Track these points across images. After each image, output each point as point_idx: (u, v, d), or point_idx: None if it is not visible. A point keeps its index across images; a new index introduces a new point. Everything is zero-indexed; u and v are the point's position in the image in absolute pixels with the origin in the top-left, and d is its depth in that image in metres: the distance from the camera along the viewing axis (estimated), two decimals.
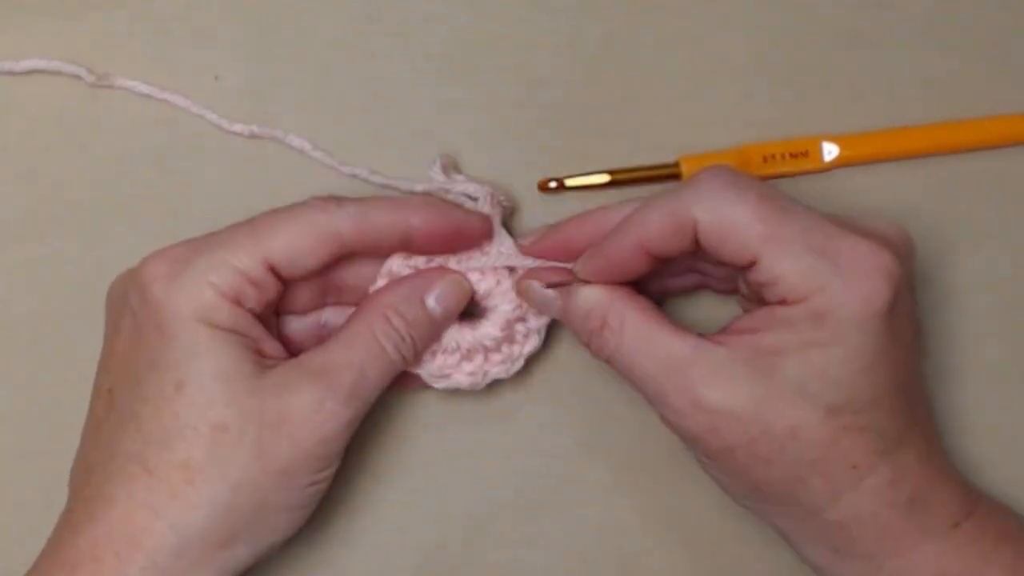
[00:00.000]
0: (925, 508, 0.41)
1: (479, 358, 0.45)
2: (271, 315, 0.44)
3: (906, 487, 0.41)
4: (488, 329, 0.45)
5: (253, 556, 0.41)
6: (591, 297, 0.43)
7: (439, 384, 0.45)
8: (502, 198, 0.46)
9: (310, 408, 0.41)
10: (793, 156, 0.48)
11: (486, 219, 0.45)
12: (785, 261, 0.39)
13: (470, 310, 0.46)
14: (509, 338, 0.46)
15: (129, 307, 0.42)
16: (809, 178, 0.49)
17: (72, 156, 0.49)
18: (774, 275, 0.39)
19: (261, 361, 0.41)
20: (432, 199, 0.45)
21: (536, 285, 0.44)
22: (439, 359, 0.45)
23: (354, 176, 0.48)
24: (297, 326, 0.45)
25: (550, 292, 0.44)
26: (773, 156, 0.48)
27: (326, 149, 0.49)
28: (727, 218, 0.40)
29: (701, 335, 0.41)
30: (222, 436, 0.40)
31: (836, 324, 0.39)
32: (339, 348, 0.42)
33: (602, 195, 0.49)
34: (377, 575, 0.48)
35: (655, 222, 0.41)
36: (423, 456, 0.48)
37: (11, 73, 0.49)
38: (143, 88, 0.49)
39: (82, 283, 0.48)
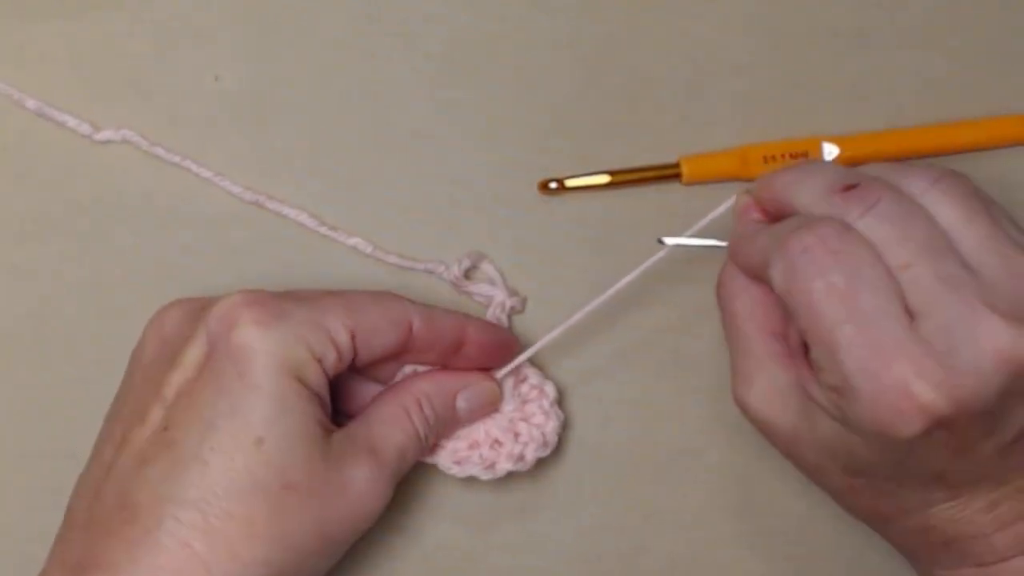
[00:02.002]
0: (966, 547, 0.40)
1: (463, 444, 0.46)
2: None
3: (950, 529, 0.40)
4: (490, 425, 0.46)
5: None
6: (733, 256, 0.43)
7: (453, 471, 0.46)
8: (514, 303, 0.48)
9: (367, 483, 0.41)
10: (793, 156, 0.48)
11: (512, 344, 0.46)
12: (824, 359, 0.37)
13: None
14: (511, 435, 0.46)
15: (200, 341, 0.40)
16: None
17: (73, 157, 0.49)
18: (818, 365, 0.38)
19: (326, 426, 0.41)
20: (483, 319, 0.46)
21: (735, 214, 0.43)
22: (451, 444, 0.46)
23: (354, 247, 0.48)
24: None
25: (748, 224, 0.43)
26: (773, 156, 0.48)
27: (329, 223, 0.49)
28: (790, 296, 0.38)
29: (790, 349, 0.41)
30: (290, 498, 0.39)
31: (860, 428, 0.37)
32: (382, 427, 0.42)
33: (602, 195, 0.49)
34: None
35: (755, 256, 0.40)
36: None
37: (21, 107, 0.49)
38: (144, 144, 0.49)
39: (82, 283, 0.48)
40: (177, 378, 0.40)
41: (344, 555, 0.47)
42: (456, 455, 0.46)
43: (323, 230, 0.48)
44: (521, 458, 0.46)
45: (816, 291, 0.37)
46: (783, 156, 0.48)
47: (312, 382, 0.40)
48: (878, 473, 0.39)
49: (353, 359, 0.41)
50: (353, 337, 0.41)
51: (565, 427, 0.48)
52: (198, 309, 0.41)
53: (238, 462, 0.38)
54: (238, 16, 0.50)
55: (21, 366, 0.48)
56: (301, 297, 0.41)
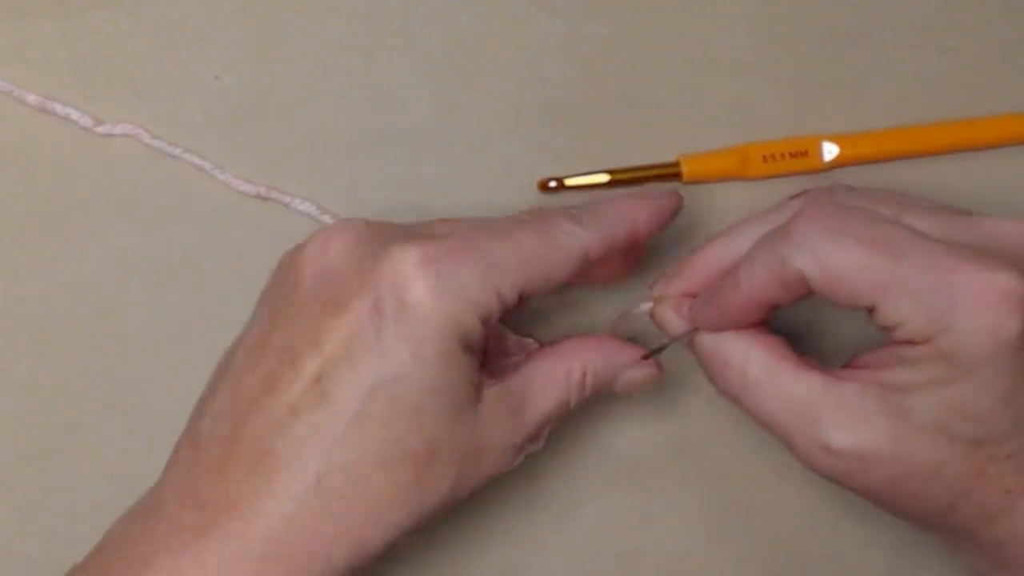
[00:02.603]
0: None
1: None
2: None
3: None
4: None
5: None
6: (712, 337, 0.41)
7: None
8: None
9: (500, 449, 0.40)
10: (793, 156, 0.48)
11: (678, 196, 0.43)
12: (901, 307, 0.37)
13: None
14: None
15: (368, 294, 0.38)
16: (809, 178, 0.49)
17: (74, 153, 0.49)
18: (893, 321, 0.38)
19: (479, 383, 0.40)
20: (640, 195, 0.43)
21: (673, 317, 0.43)
22: None
23: None
24: None
25: (681, 326, 0.42)
26: (773, 156, 0.48)
27: (333, 212, 0.49)
28: (832, 270, 0.38)
29: (828, 372, 0.40)
30: (434, 463, 0.38)
31: (966, 361, 0.37)
32: (540, 389, 0.41)
33: (602, 195, 0.49)
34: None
35: (761, 278, 0.39)
36: None
37: (21, 102, 0.49)
38: (146, 137, 0.49)
39: (82, 282, 0.48)
40: (338, 328, 0.38)
41: None
42: None
43: (326, 219, 0.48)
44: None
45: (852, 247, 0.37)
46: (783, 155, 0.48)
47: (476, 344, 0.39)
48: (1000, 424, 0.38)
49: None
50: (523, 292, 0.39)
51: (564, 426, 0.48)
52: (368, 251, 0.39)
53: (393, 431, 0.37)
54: (238, 16, 0.50)
55: (21, 366, 0.48)
56: (475, 248, 0.39)
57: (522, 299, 0.40)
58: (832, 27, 0.50)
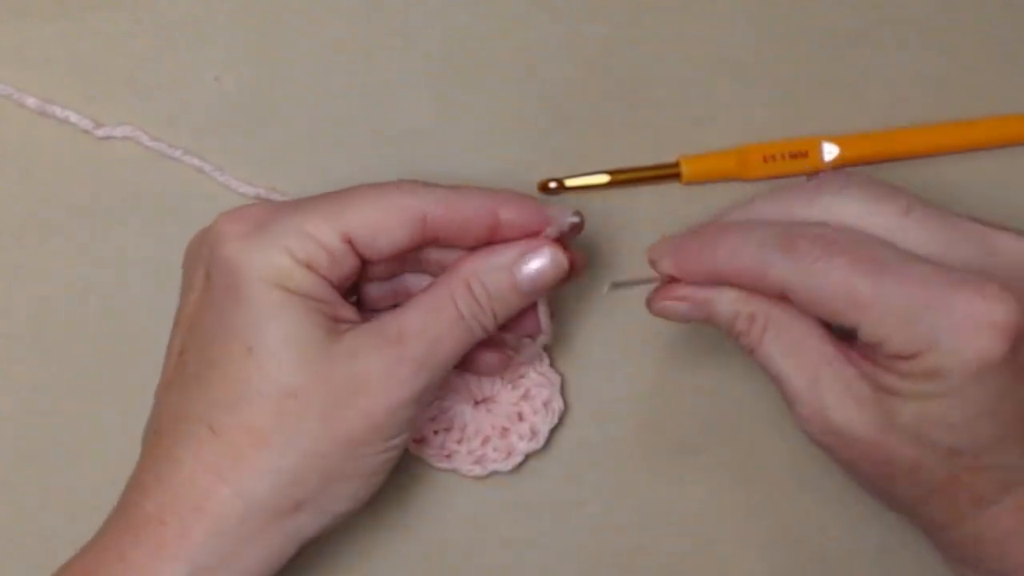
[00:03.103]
0: None
1: (476, 443, 0.47)
2: (350, 284, 0.42)
3: None
4: (492, 417, 0.47)
5: (320, 524, 0.41)
6: (736, 299, 0.41)
7: (440, 464, 0.47)
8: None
9: (380, 375, 0.40)
10: (793, 156, 0.48)
11: (572, 214, 0.43)
12: (886, 325, 0.37)
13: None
14: (508, 432, 0.47)
15: (201, 265, 0.41)
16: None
17: (74, 155, 0.49)
18: (874, 340, 0.38)
19: (335, 327, 0.40)
20: (518, 193, 0.43)
21: (671, 305, 0.42)
22: (439, 437, 0.47)
23: None
24: (376, 291, 0.44)
25: (684, 307, 0.41)
26: (773, 156, 0.48)
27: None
28: (816, 291, 0.38)
29: (840, 344, 0.40)
30: (291, 402, 0.39)
31: (950, 379, 0.37)
32: (415, 313, 0.41)
33: (602, 195, 0.49)
34: (377, 575, 0.48)
35: (743, 269, 0.39)
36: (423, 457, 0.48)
37: (21, 105, 0.49)
38: (146, 139, 0.49)
39: (82, 283, 0.48)
40: (187, 303, 0.42)
41: (342, 554, 0.47)
42: (473, 455, 0.46)
43: None
44: (533, 434, 0.46)
45: (836, 271, 0.38)
46: (783, 156, 0.48)
47: (303, 287, 0.40)
48: (980, 437, 0.38)
49: (366, 260, 0.41)
50: (349, 239, 0.40)
51: (565, 426, 0.48)
52: (204, 233, 0.42)
53: (231, 373, 0.40)
54: (238, 16, 0.50)
55: (21, 366, 0.48)
56: (291, 204, 0.42)
57: (356, 248, 0.40)
58: (832, 27, 0.50)
